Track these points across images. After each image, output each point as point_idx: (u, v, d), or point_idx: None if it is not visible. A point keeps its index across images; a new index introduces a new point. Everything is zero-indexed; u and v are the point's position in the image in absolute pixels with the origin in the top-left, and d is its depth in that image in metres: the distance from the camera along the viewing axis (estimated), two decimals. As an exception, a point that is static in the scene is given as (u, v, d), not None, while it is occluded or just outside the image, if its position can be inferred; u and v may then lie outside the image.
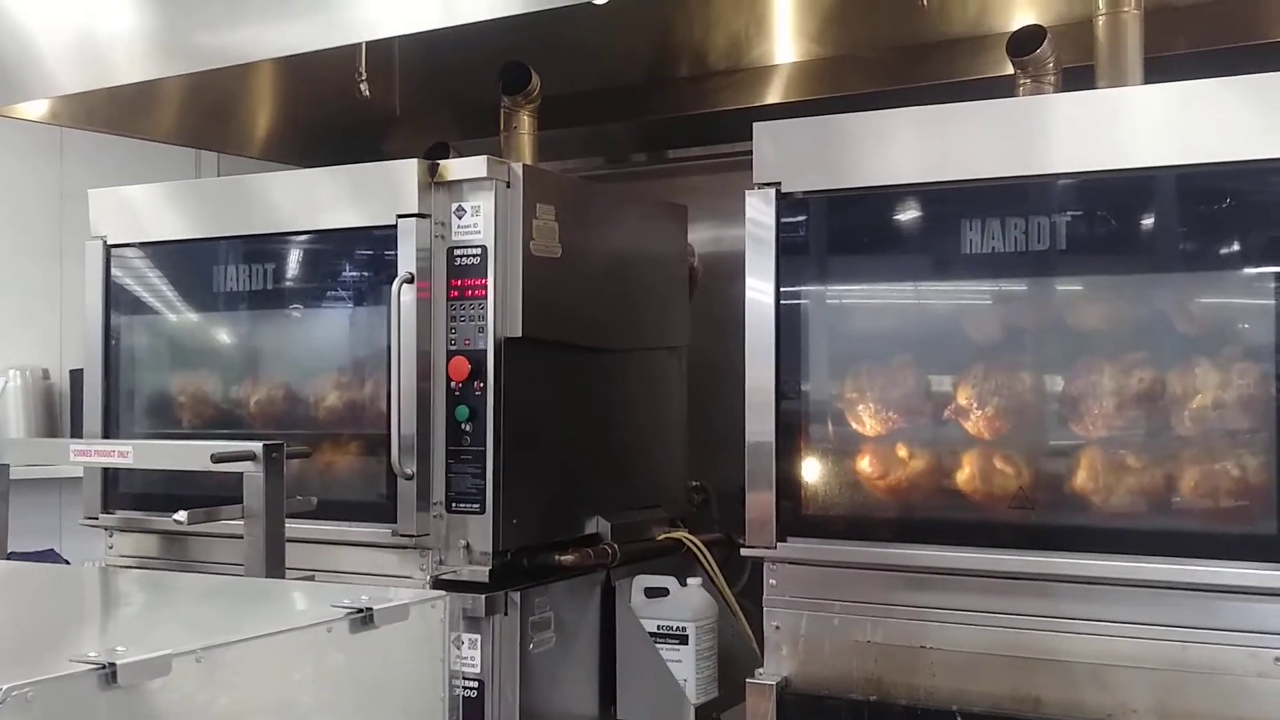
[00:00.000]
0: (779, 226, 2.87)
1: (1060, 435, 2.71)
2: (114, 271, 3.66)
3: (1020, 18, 3.45)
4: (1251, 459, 2.51)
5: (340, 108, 3.86)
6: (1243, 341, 2.57)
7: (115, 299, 3.66)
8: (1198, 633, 2.50)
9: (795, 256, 2.89)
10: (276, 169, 4.13)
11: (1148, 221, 2.66)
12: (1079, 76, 2.91)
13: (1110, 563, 2.57)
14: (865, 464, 2.86)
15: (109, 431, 3.63)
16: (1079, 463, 2.67)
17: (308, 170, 3.52)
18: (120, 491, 3.63)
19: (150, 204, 3.65)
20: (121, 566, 3.54)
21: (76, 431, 4.14)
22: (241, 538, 2.93)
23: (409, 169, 3.18)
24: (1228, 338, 2.60)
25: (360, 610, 1.94)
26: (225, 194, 3.60)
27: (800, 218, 2.88)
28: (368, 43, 3.48)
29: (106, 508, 3.61)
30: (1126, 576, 2.55)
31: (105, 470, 3.57)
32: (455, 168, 3.19)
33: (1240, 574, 2.46)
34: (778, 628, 2.88)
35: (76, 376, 4.27)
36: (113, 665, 1.57)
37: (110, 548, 3.63)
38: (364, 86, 3.59)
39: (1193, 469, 2.56)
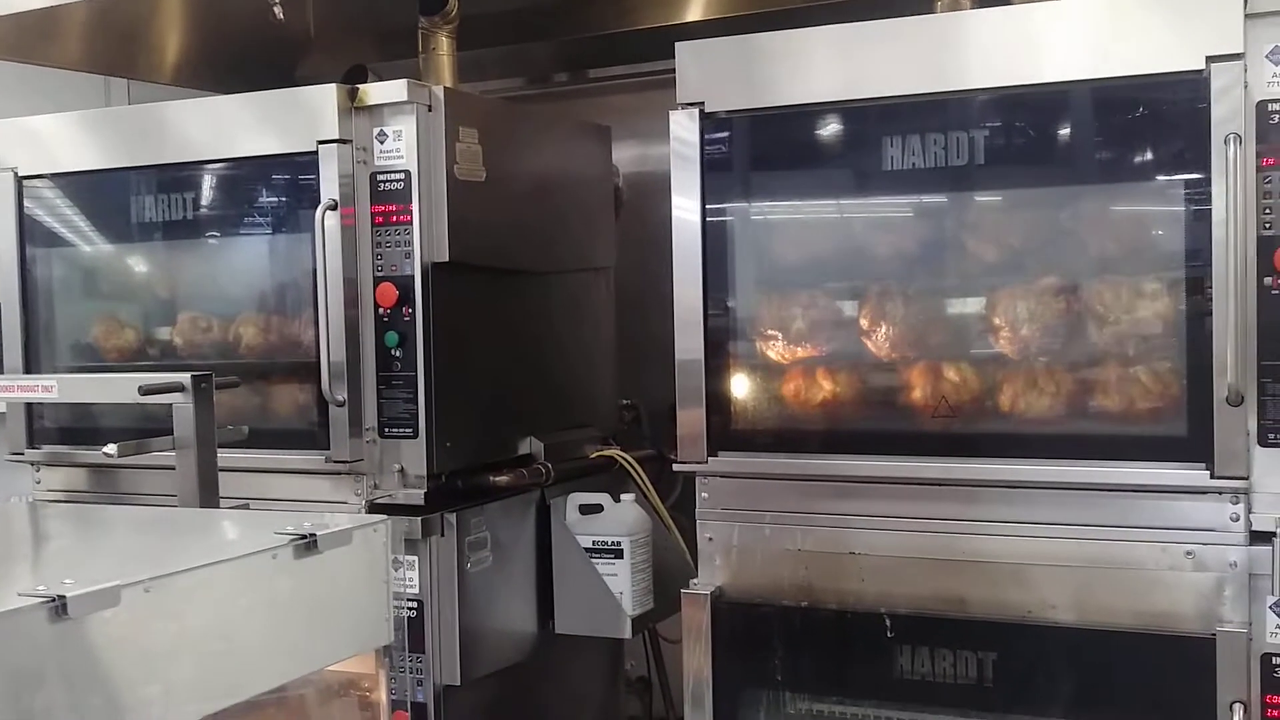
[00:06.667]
0: (703, 145, 2.89)
1: (981, 345, 2.78)
2: (26, 204, 3.58)
3: (938, -67, 3.46)
4: (1163, 364, 2.60)
5: (253, 32, 3.76)
6: (1155, 250, 2.66)
7: (30, 232, 3.58)
8: (1114, 530, 2.61)
9: (720, 175, 2.92)
10: (188, 95, 4.04)
11: (1065, 135, 2.71)
12: (996, -9, 2.94)
13: (1030, 467, 2.66)
14: (792, 378, 2.92)
15: (30, 367, 3.57)
16: (1000, 372, 2.75)
17: (224, 97, 3.45)
18: (45, 426, 3.59)
19: (62, 134, 3.56)
20: (50, 501, 3.51)
21: (-4, 368, 4.07)
22: (173, 469, 2.92)
23: (328, 94, 3.14)
24: (1142, 247, 2.68)
25: (304, 537, 1.96)
26: (140, 122, 3.52)
27: (724, 135, 2.90)
28: (280, -36, 3.41)
29: (32, 443, 3.57)
30: (1046, 479, 2.65)
31: (29, 405, 3.53)
32: (375, 92, 3.15)
33: (1154, 474, 2.57)
34: (710, 539, 2.95)
35: (-7, 312, 4.18)
36: (62, 598, 1.57)
37: (38, 483, 3.60)
38: (277, 9, 3.52)
39: (1108, 375, 2.65)
